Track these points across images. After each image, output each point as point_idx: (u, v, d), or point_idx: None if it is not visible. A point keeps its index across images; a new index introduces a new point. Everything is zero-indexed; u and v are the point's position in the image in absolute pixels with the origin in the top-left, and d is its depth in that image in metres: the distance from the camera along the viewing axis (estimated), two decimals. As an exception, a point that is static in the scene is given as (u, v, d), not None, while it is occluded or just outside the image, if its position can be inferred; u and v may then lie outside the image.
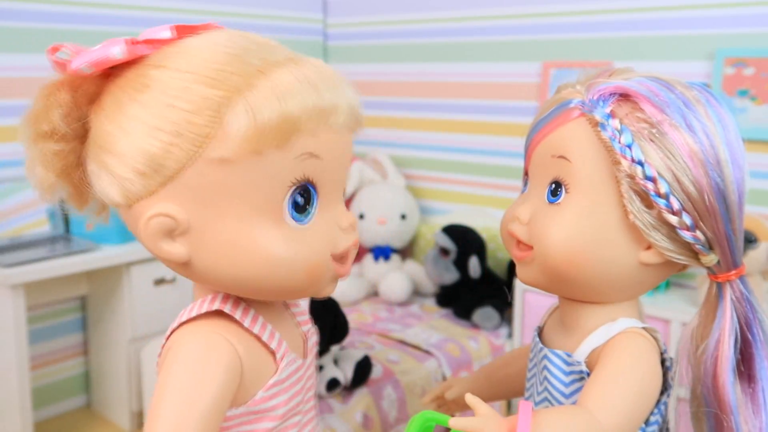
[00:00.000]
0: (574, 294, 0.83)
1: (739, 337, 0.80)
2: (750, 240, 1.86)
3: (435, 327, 2.26)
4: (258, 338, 0.68)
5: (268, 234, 0.63)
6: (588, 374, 0.80)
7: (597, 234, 0.77)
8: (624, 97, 0.77)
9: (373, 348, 2.05)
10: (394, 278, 2.45)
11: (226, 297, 0.68)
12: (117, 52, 0.62)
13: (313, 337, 0.79)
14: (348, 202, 2.68)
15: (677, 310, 1.94)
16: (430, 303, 2.49)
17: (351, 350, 1.84)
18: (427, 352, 2.07)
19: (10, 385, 1.95)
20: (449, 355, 2.08)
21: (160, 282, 2.25)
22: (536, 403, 0.87)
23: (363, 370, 1.79)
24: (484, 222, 2.56)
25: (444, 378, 2.03)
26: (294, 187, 0.63)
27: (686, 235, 0.76)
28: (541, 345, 0.87)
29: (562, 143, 0.78)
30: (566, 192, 0.78)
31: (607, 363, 0.77)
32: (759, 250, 1.86)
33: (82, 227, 2.21)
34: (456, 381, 1.08)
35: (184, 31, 0.65)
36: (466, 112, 2.68)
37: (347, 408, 1.73)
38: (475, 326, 2.28)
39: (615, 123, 0.75)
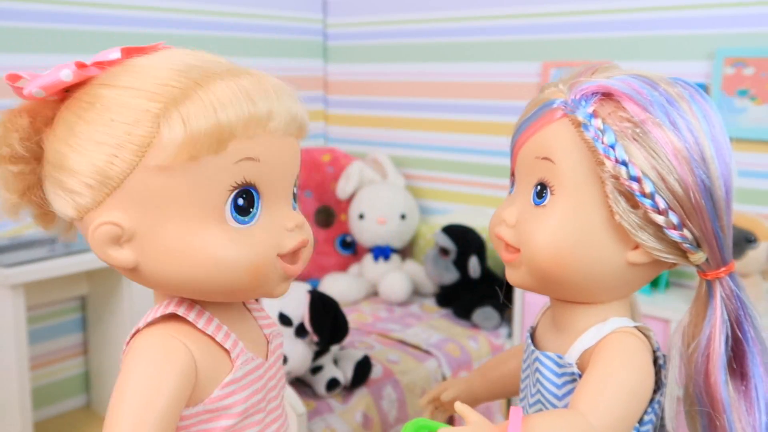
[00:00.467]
0: (564, 295, 0.83)
1: (730, 334, 0.80)
2: (750, 240, 1.86)
3: (435, 327, 2.26)
4: (212, 339, 0.71)
5: (211, 236, 0.65)
6: (579, 376, 0.80)
7: (583, 235, 0.77)
8: (606, 96, 0.76)
9: (373, 348, 2.05)
10: (394, 278, 2.45)
11: (181, 301, 0.71)
12: (65, 75, 0.66)
13: (277, 339, 0.81)
14: (348, 202, 2.68)
15: (677, 310, 1.94)
16: (430, 303, 2.49)
17: (351, 350, 1.84)
18: (426, 352, 2.07)
19: (10, 385, 1.95)
20: (449, 355, 2.09)
21: (160, 282, 2.25)
22: (530, 405, 0.87)
23: (363, 370, 1.79)
24: (484, 222, 2.56)
25: (444, 378, 2.03)
26: (234, 191, 0.66)
27: (673, 234, 0.75)
28: (533, 347, 0.87)
29: (546, 144, 0.78)
30: (551, 194, 0.78)
31: (598, 364, 0.77)
32: (759, 250, 1.86)
33: (82, 227, 2.20)
34: (452, 382, 1.08)
35: (132, 51, 0.68)
36: (466, 112, 2.68)
37: (347, 408, 1.73)
38: (475, 326, 2.28)
39: (597, 123, 0.75)
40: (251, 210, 0.67)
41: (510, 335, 2.30)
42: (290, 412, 1.47)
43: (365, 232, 2.57)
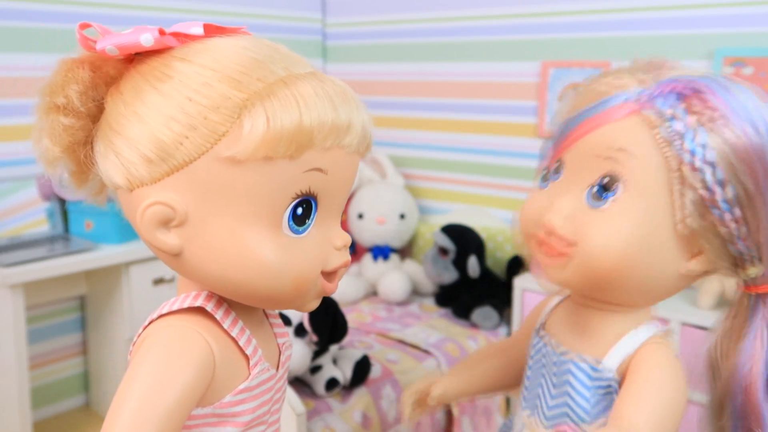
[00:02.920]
0: (608, 299, 0.79)
1: None
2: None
3: (434, 326, 2.26)
4: (235, 341, 0.68)
5: (263, 240, 0.63)
6: (617, 383, 0.78)
7: (650, 240, 0.73)
8: (690, 96, 0.72)
9: (372, 348, 2.05)
10: (393, 278, 2.45)
11: (210, 296, 0.68)
12: (146, 39, 0.62)
13: (287, 351, 0.79)
14: (347, 202, 2.68)
15: (677, 310, 1.95)
16: (429, 302, 2.49)
17: (350, 350, 1.84)
18: (426, 351, 2.07)
19: (10, 385, 1.95)
20: (448, 354, 2.09)
21: (159, 282, 2.25)
22: (549, 408, 0.84)
23: (362, 369, 1.79)
24: (483, 221, 2.57)
25: (443, 377, 2.03)
26: (297, 199, 0.64)
27: (741, 245, 0.73)
28: (563, 348, 0.83)
29: (623, 136, 0.73)
30: (622, 191, 0.73)
31: (646, 375, 0.75)
32: None
33: (81, 227, 2.21)
34: (438, 378, 1.05)
35: (213, 30, 0.65)
36: (465, 112, 2.68)
37: (346, 407, 1.73)
38: (474, 326, 2.28)
39: (679, 125, 0.70)
40: (307, 221, 0.65)
41: (509, 335, 2.30)
42: (290, 412, 1.47)
43: (364, 232, 2.57)
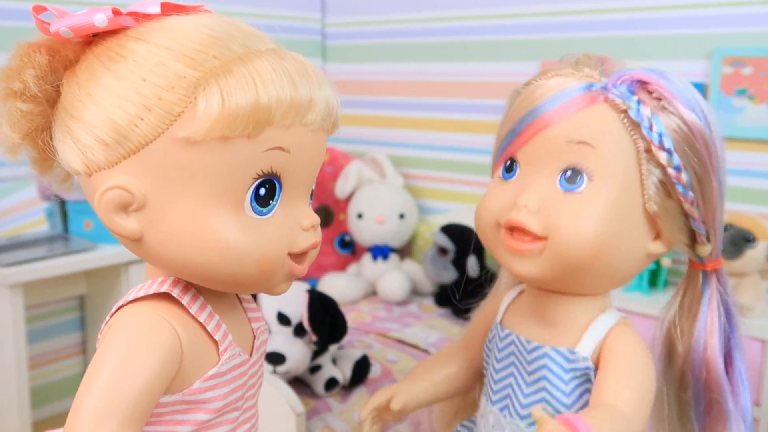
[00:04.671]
0: (574, 288, 0.81)
1: (724, 323, 0.83)
2: (748, 239, 1.86)
3: (433, 326, 2.26)
4: (203, 327, 0.67)
5: (225, 221, 0.62)
6: (592, 370, 0.80)
7: (622, 224, 0.75)
8: (643, 84, 0.75)
9: (372, 347, 2.05)
10: (393, 278, 2.45)
11: (176, 281, 0.67)
12: (100, 20, 0.61)
13: (263, 336, 0.77)
14: (346, 202, 2.68)
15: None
16: (429, 302, 2.49)
17: (349, 350, 1.84)
18: (425, 351, 2.07)
19: (9, 385, 1.95)
20: (448, 354, 2.09)
21: (158, 281, 2.25)
22: (524, 402, 0.85)
23: (361, 369, 1.79)
24: (483, 221, 2.56)
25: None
26: (259, 179, 0.62)
27: (696, 225, 0.76)
28: (534, 343, 0.84)
29: (582, 129, 0.74)
30: (590, 179, 0.74)
31: (621, 359, 0.77)
32: (758, 250, 1.86)
33: (80, 226, 2.21)
34: (397, 388, 1.00)
35: (171, 8, 0.64)
36: (464, 112, 2.68)
37: (346, 407, 1.73)
38: (474, 325, 2.28)
39: (646, 110, 0.73)
40: (271, 201, 0.64)
41: (509, 334, 2.30)
42: (289, 412, 1.47)
43: (364, 232, 2.57)
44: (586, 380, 0.81)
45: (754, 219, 1.91)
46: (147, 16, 0.63)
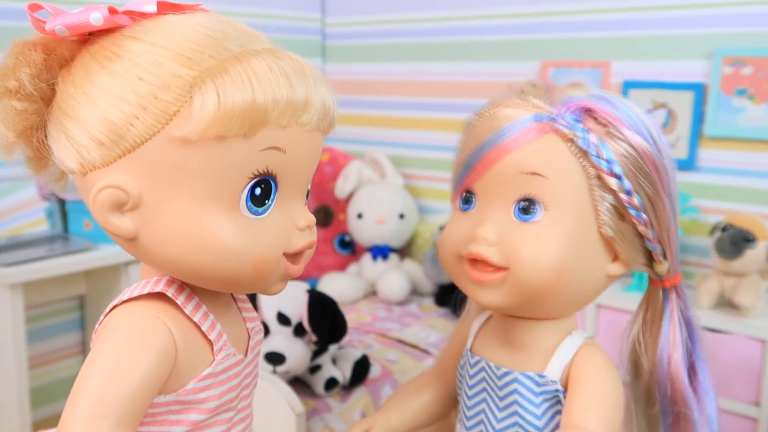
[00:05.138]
0: (538, 314, 0.82)
1: (686, 336, 0.85)
2: (748, 239, 1.86)
3: (433, 326, 2.26)
4: (198, 326, 0.67)
5: (220, 221, 0.62)
6: (562, 392, 0.81)
7: (579, 249, 0.77)
8: (587, 111, 0.77)
9: (372, 347, 2.05)
10: (393, 277, 2.45)
11: (171, 281, 0.67)
12: (95, 18, 0.61)
13: (258, 336, 0.77)
14: (346, 202, 2.68)
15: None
16: (429, 302, 2.49)
17: (349, 350, 1.84)
18: (425, 351, 2.07)
19: (9, 385, 1.95)
20: (448, 354, 2.08)
21: (158, 281, 2.25)
22: (497, 427, 0.85)
23: (361, 369, 1.79)
24: (483, 221, 2.56)
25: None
26: (254, 179, 0.62)
27: (652, 246, 0.79)
28: (503, 369, 0.84)
29: (535, 159, 0.76)
30: (544, 209, 0.76)
31: (587, 380, 0.79)
32: (757, 250, 1.86)
33: (80, 226, 2.21)
34: (373, 420, 0.98)
35: (167, 7, 0.64)
36: (464, 112, 2.67)
37: (346, 407, 1.73)
38: (474, 325, 2.28)
39: (593, 138, 0.75)
40: (266, 201, 0.64)
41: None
42: (289, 412, 1.47)
43: (364, 232, 2.57)
44: (556, 402, 0.82)
45: (754, 219, 1.91)
46: (143, 15, 0.63)
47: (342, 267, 2.71)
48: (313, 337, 1.62)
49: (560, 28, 2.40)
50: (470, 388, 0.89)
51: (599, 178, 0.75)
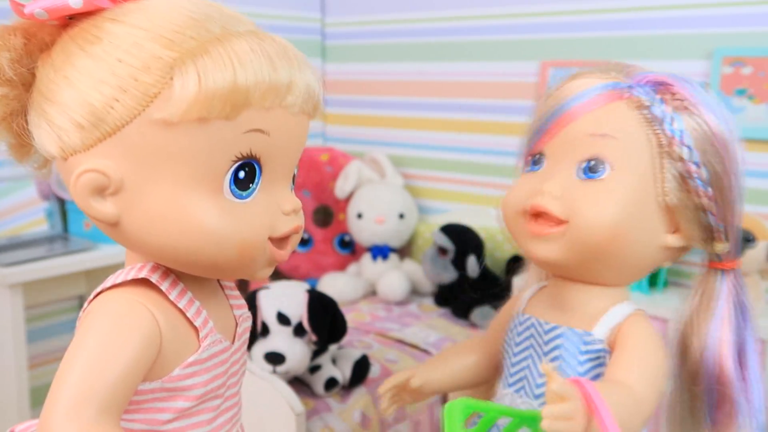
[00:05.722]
0: (593, 277, 0.83)
1: (737, 323, 0.85)
2: (748, 239, 1.86)
3: (433, 326, 2.26)
4: (183, 313, 0.66)
5: (204, 204, 0.61)
6: (607, 353, 0.82)
7: (639, 213, 0.78)
8: (666, 86, 0.79)
9: (372, 347, 2.05)
10: (392, 277, 2.45)
11: (156, 267, 0.66)
12: (75, 1, 0.60)
13: (245, 323, 0.76)
14: (346, 202, 2.68)
15: (676, 310, 1.95)
16: (428, 302, 2.49)
17: (349, 349, 1.84)
18: (425, 351, 2.07)
19: (9, 385, 1.95)
20: (447, 354, 2.09)
21: (158, 281, 2.25)
22: (538, 383, 0.87)
23: (361, 369, 1.79)
24: (483, 221, 2.56)
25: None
26: (238, 162, 0.62)
27: (714, 221, 0.79)
28: (551, 324, 0.86)
29: (605, 122, 0.78)
30: (611, 169, 0.78)
31: (635, 343, 0.80)
32: (757, 249, 1.86)
33: (80, 226, 2.21)
34: (416, 370, 1.04)
35: None
36: (464, 112, 2.68)
37: (345, 407, 1.73)
38: (474, 325, 2.28)
39: (668, 108, 0.77)
40: (251, 185, 0.63)
41: (508, 334, 2.30)
42: (288, 412, 1.47)
43: (363, 232, 2.57)
44: (600, 363, 0.83)
45: (754, 219, 1.91)
46: None
47: (342, 267, 2.71)
48: (313, 337, 1.62)
49: (560, 28, 2.40)
50: (517, 345, 0.91)
51: (669, 146, 0.77)
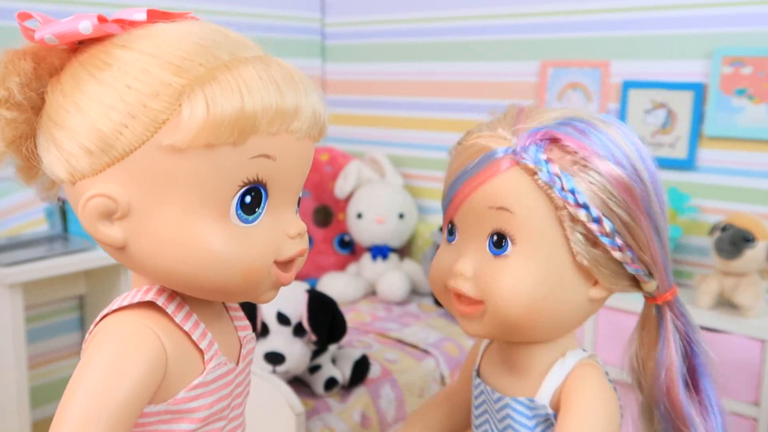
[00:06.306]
0: (526, 338, 0.82)
1: (683, 352, 0.83)
2: (748, 239, 1.86)
3: (433, 326, 2.26)
4: (188, 335, 0.66)
5: (210, 229, 0.61)
6: (554, 416, 0.81)
7: (551, 280, 0.77)
8: (553, 140, 0.76)
9: (371, 347, 2.05)
10: (392, 277, 2.45)
11: (162, 290, 0.67)
12: (84, 27, 0.61)
13: (249, 345, 0.77)
14: (346, 201, 2.68)
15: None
16: (428, 302, 2.49)
17: (349, 349, 1.84)
18: (425, 351, 2.07)
19: (8, 385, 1.95)
20: (447, 354, 2.09)
21: (158, 281, 2.25)
22: None
23: (361, 369, 1.79)
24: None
25: (442, 377, 2.03)
26: (244, 187, 0.62)
27: (631, 269, 0.78)
28: (497, 394, 0.86)
29: (500, 195, 0.76)
30: (513, 243, 0.76)
31: (575, 402, 0.78)
32: (757, 250, 1.86)
33: (80, 226, 2.20)
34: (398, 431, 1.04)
35: (157, 16, 0.64)
36: (464, 111, 2.68)
37: (345, 407, 1.73)
38: (473, 325, 2.28)
39: (554, 169, 0.74)
40: (257, 209, 0.63)
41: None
42: (288, 412, 1.47)
43: (363, 232, 2.57)
44: (550, 425, 0.82)
45: (754, 219, 1.91)
46: (133, 24, 0.63)
47: (342, 267, 2.71)
48: (313, 337, 1.62)
49: (560, 28, 2.40)
50: (476, 407, 0.91)
51: (566, 208, 0.74)
